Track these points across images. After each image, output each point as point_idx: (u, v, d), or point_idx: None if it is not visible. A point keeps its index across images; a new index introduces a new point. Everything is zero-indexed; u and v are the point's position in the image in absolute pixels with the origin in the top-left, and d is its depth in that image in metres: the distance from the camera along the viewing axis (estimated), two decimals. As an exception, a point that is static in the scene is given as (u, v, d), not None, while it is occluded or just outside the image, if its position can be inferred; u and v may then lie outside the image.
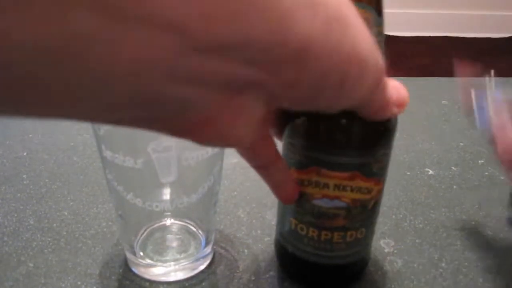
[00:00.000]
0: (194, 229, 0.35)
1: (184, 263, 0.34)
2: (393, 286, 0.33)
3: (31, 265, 0.34)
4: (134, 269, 0.34)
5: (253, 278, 0.34)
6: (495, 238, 0.39)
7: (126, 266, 0.34)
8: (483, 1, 2.75)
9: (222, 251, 0.36)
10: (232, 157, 0.49)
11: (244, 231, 0.39)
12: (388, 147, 0.28)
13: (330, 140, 0.27)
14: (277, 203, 0.32)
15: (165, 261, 0.34)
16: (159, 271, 0.33)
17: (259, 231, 0.39)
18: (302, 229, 0.30)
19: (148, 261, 0.33)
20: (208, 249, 0.35)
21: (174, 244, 0.35)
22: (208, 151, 0.29)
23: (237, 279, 0.34)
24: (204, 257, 0.35)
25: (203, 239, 0.35)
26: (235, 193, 0.44)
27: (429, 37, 2.72)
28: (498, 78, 0.38)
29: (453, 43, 2.66)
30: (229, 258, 0.36)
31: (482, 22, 2.76)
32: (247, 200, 0.42)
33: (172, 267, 0.33)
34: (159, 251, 0.34)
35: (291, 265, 0.33)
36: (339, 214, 0.28)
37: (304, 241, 0.30)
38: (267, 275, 0.34)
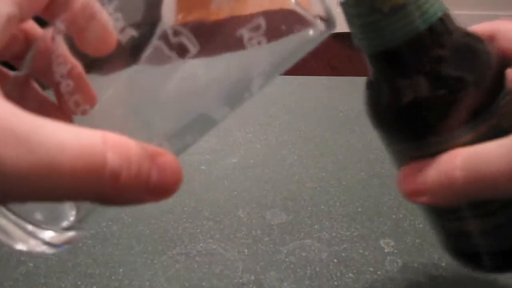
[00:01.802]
0: None
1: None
2: (393, 286, 0.33)
3: (31, 265, 0.34)
4: None
5: (253, 278, 0.34)
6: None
7: (126, 266, 0.34)
8: (483, 1, 2.76)
9: (222, 251, 0.36)
10: (232, 157, 0.49)
11: (244, 231, 0.39)
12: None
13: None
14: (429, 218, 0.28)
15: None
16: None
17: (259, 231, 0.39)
18: (474, 225, 0.27)
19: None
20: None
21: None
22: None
23: (237, 279, 0.34)
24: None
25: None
26: (235, 193, 0.44)
27: (429, 37, 2.72)
28: None
29: (453, 43, 2.66)
30: (229, 258, 0.36)
31: (482, 22, 2.76)
32: (247, 200, 0.42)
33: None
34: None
35: (494, 266, 0.29)
36: None
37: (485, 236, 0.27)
38: (267, 275, 0.34)
